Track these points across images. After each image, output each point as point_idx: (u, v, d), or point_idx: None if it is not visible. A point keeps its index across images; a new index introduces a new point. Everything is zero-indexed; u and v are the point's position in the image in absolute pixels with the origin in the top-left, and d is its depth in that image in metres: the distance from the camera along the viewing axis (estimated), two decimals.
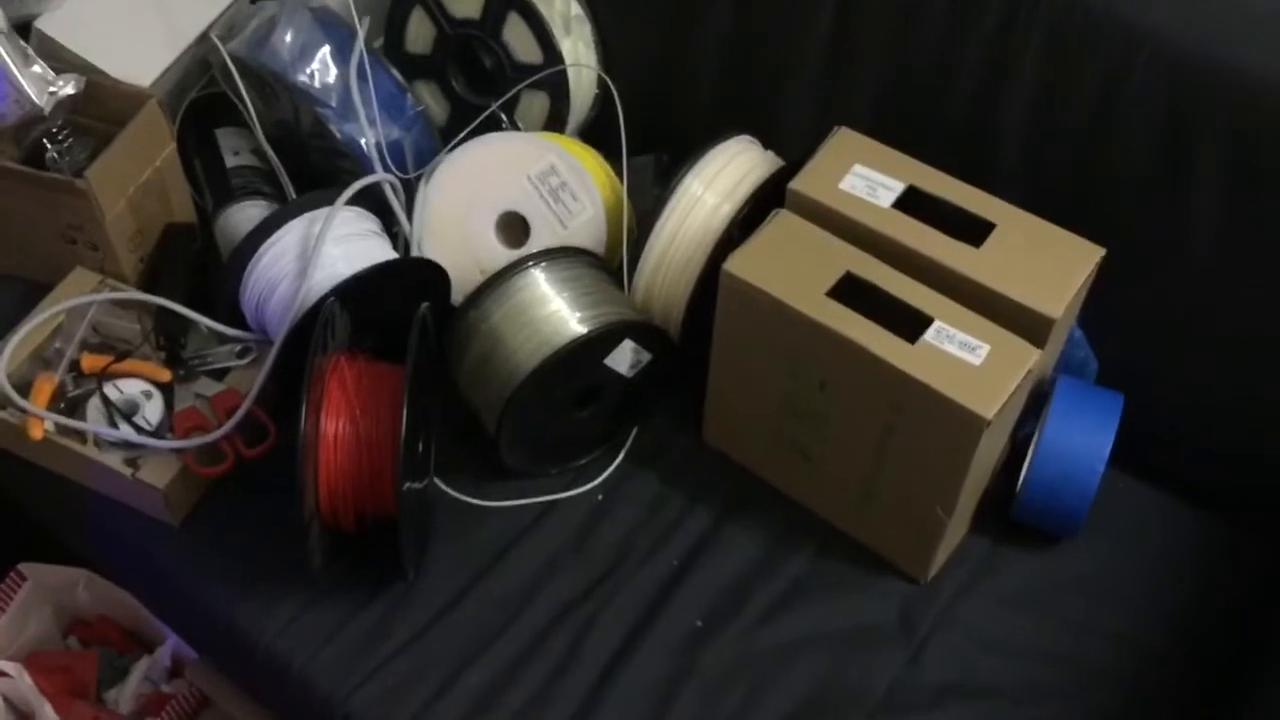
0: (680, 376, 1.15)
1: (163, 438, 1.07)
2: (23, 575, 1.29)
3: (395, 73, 1.25)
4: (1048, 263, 0.98)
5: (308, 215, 1.12)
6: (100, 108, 1.16)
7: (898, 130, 1.09)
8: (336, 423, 0.99)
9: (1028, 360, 0.94)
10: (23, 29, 1.17)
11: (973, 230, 1.00)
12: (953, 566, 1.08)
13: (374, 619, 1.04)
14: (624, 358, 1.10)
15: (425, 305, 1.04)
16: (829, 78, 1.18)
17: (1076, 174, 1.08)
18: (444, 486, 1.12)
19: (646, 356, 1.11)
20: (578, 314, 1.08)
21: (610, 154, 1.25)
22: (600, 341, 1.07)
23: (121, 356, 1.12)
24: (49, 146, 1.15)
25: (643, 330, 1.09)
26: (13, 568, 1.29)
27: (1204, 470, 1.12)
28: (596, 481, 1.13)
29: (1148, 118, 1.02)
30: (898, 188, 1.03)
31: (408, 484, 0.98)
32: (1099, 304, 1.05)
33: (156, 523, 1.09)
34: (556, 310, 1.08)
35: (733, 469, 1.14)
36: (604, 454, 1.15)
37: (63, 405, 1.09)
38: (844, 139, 1.07)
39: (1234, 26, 0.99)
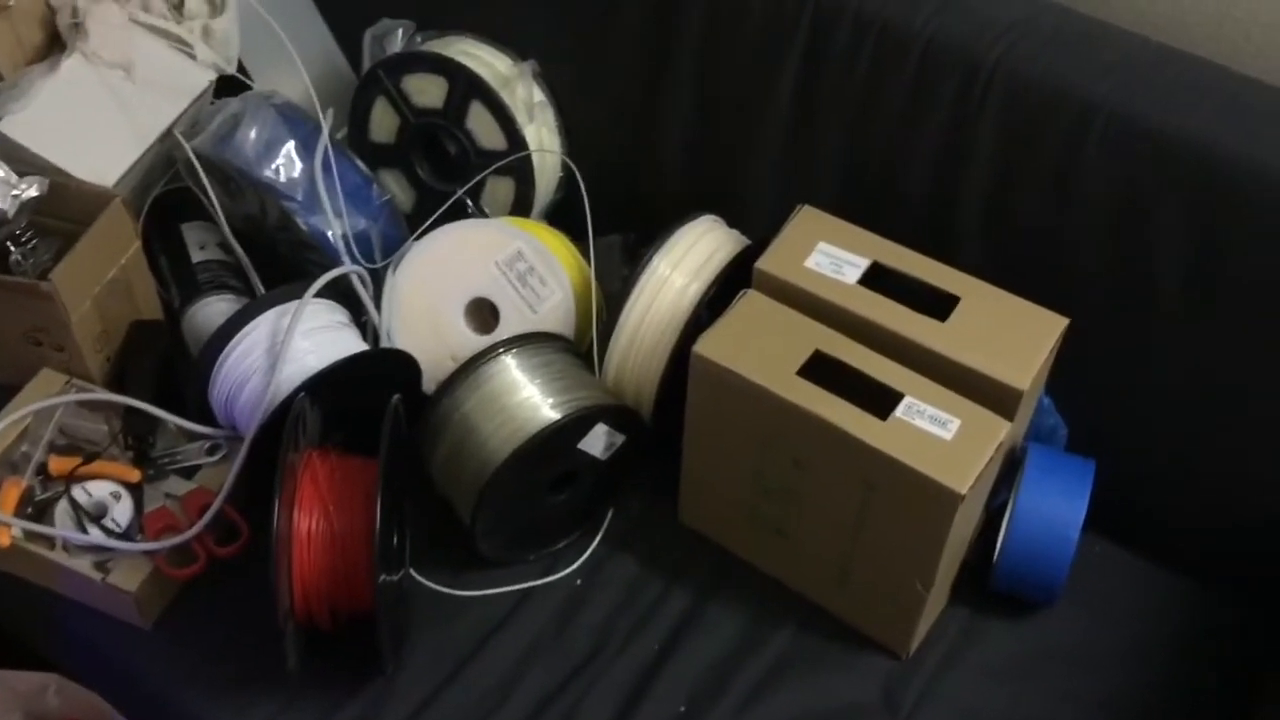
0: (655, 457, 1.14)
1: (133, 539, 1.06)
2: None
3: (360, 163, 1.26)
4: (1013, 334, 0.99)
5: (276, 309, 1.11)
6: (64, 208, 1.16)
7: (860, 206, 1.11)
8: (310, 520, 0.98)
9: (998, 433, 0.95)
10: None
11: (938, 304, 1.01)
12: (933, 639, 1.08)
13: (354, 717, 1.02)
14: (598, 441, 1.10)
15: (397, 397, 1.04)
16: (791, 156, 1.20)
17: (1038, 244, 1.09)
18: (420, 578, 1.11)
19: (620, 439, 1.11)
20: (550, 400, 1.08)
21: (577, 236, 1.26)
22: (573, 426, 1.07)
23: (89, 458, 1.11)
24: (12, 249, 1.14)
25: (615, 413, 1.10)
26: None
27: (1177, 534, 1.13)
28: (574, 566, 1.13)
29: (1104, 186, 1.04)
30: (862, 264, 1.04)
31: (383, 577, 0.97)
32: (1066, 371, 1.06)
33: (128, 626, 1.07)
34: (529, 397, 1.08)
35: (710, 548, 1.14)
36: (581, 538, 1.15)
37: (30, 510, 1.08)
38: (807, 217, 1.09)
39: (1182, 96, 1.02)
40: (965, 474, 0.92)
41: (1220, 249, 1.01)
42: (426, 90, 1.29)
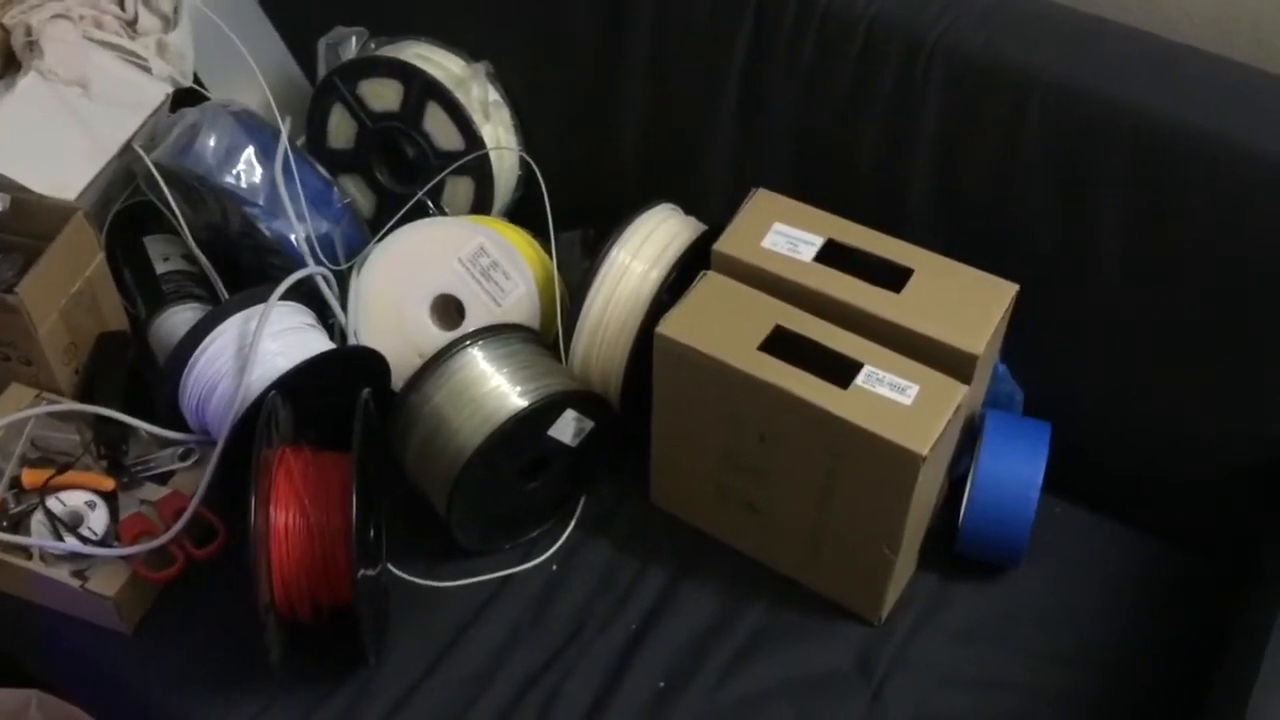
0: (624, 442, 1.16)
1: (109, 546, 1.07)
2: None
3: (320, 167, 1.27)
4: (966, 302, 1.02)
5: (243, 313, 1.13)
6: (27, 223, 1.17)
7: (812, 187, 1.13)
8: (286, 514, 0.99)
9: (956, 396, 0.97)
10: None
11: (892, 277, 1.04)
12: (904, 606, 1.10)
13: (338, 710, 1.03)
14: (567, 427, 1.11)
15: (367, 391, 1.06)
16: (743, 141, 1.23)
17: (985, 215, 1.12)
18: (398, 571, 1.12)
19: (589, 424, 1.13)
20: (518, 388, 1.10)
21: (537, 232, 1.28)
22: (542, 413, 1.09)
23: (62, 469, 1.11)
24: None
25: (583, 399, 1.11)
26: None
27: (1134, 492, 1.16)
28: (550, 552, 1.14)
29: (1046, 155, 1.07)
30: (817, 242, 1.07)
31: (362, 571, 0.99)
32: (1019, 337, 1.09)
33: (109, 632, 1.08)
34: (497, 386, 1.10)
35: (683, 528, 1.16)
36: (555, 524, 1.17)
37: (4, 523, 1.08)
38: (762, 199, 1.11)
39: (1118, 65, 1.05)
40: (926, 436, 0.95)
41: (1160, 212, 1.04)
42: (382, 94, 1.30)
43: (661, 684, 1.05)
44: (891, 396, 0.97)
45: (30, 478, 1.10)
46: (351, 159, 1.36)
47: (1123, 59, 1.05)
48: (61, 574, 1.06)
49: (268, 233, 1.21)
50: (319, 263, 1.21)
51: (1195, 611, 1.10)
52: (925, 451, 0.94)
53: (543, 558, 1.14)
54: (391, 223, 1.26)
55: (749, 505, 1.09)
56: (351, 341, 1.19)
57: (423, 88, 1.28)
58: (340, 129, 1.34)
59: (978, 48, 1.07)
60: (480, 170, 1.31)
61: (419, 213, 1.30)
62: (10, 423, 1.14)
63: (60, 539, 1.06)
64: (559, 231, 1.27)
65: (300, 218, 1.21)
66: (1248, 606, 1.05)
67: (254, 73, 1.28)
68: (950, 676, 1.06)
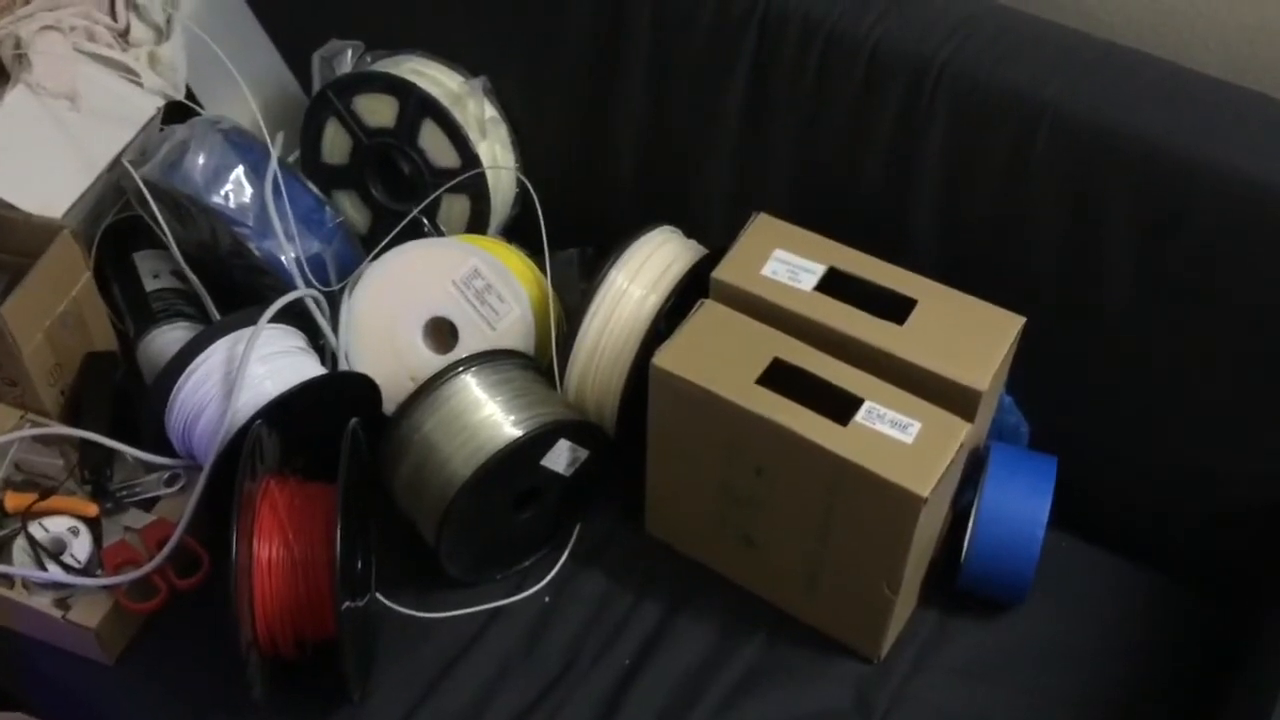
0: (619, 470, 1.14)
1: (92, 575, 1.05)
2: None
3: (312, 186, 1.25)
4: (971, 335, 1.00)
5: (231, 336, 1.10)
6: (12, 242, 1.15)
7: (815, 212, 1.11)
8: (270, 548, 0.97)
9: (959, 434, 0.95)
10: None
11: (895, 308, 1.01)
12: (904, 643, 1.08)
13: None
14: (561, 457, 1.09)
15: (355, 421, 1.03)
16: (744, 164, 1.20)
17: (991, 245, 1.10)
18: (386, 602, 1.10)
19: (583, 454, 1.10)
20: (511, 417, 1.07)
21: (534, 251, 1.25)
22: (536, 443, 1.07)
23: (46, 494, 1.09)
24: None
25: (577, 428, 1.09)
26: None
27: (1142, 528, 1.13)
28: (542, 583, 1.12)
29: (1053, 185, 1.05)
30: (819, 270, 1.04)
31: (347, 604, 0.97)
32: (1025, 369, 1.06)
33: (91, 662, 1.06)
34: (490, 415, 1.07)
35: (678, 560, 1.14)
36: (548, 554, 1.14)
37: None
38: (763, 225, 1.09)
39: (1125, 93, 1.02)
40: (927, 477, 0.92)
41: (1169, 243, 1.02)
42: (378, 110, 1.28)
43: None
44: (892, 434, 0.94)
45: (12, 502, 1.08)
46: (346, 175, 1.33)
47: (1133, 86, 1.03)
48: (43, 603, 1.04)
49: (257, 253, 1.18)
50: (310, 284, 1.19)
51: (1201, 651, 1.07)
52: (926, 493, 0.91)
53: (535, 589, 1.12)
54: (386, 241, 1.23)
55: (746, 538, 1.07)
56: (343, 364, 1.17)
57: (418, 104, 1.26)
58: (335, 144, 1.32)
59: (985, 72, 1.05)
60: (477, 188, 1.29)
61: (414, 230, 1.28)
62: None
63: (43, 567, 1.04)
64: (556, 249, 1.24)
65: (290, 238, 1.19)
66: (1255, 646, 1.03)
67: (244, 88, 1.26)
68: (950, 715, 1.04)
